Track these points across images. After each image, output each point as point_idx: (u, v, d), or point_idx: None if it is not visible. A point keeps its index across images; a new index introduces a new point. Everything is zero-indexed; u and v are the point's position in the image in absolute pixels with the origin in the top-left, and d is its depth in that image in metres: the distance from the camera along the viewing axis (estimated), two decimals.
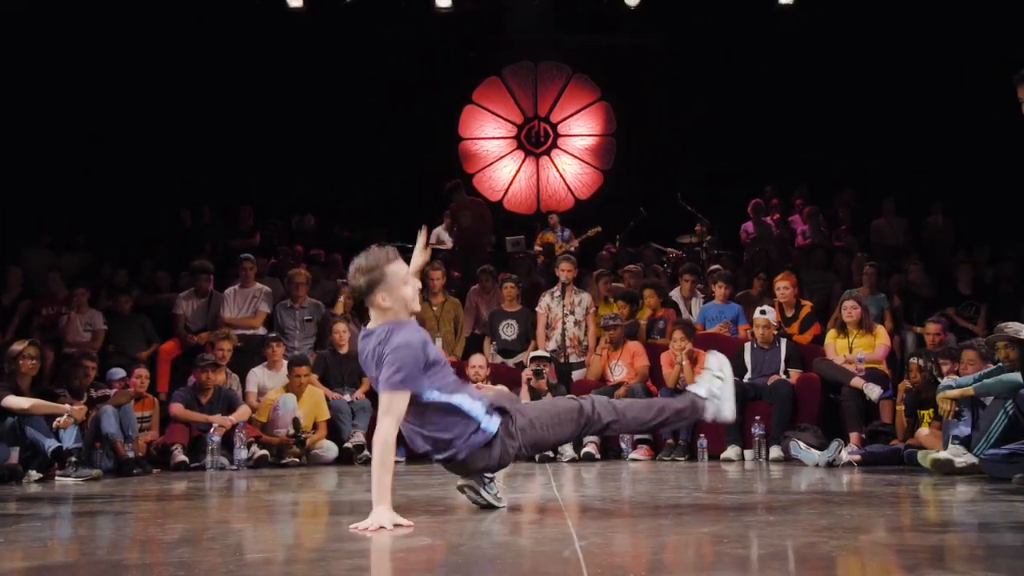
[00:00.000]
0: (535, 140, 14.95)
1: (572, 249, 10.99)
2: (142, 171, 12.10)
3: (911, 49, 11.96)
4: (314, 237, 12.18)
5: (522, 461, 3.83)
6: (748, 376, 7.45)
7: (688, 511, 3.84)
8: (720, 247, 11.08)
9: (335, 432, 7.56)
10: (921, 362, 6.63)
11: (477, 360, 7.74)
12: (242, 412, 7.33)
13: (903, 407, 6.69)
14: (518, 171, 14.96)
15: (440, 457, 3.62)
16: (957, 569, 2.48)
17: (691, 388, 4.02)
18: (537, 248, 11.84)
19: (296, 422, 7.33)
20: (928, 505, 4.37)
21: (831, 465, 6.21)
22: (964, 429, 5.55)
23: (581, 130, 14.97)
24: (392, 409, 3.38)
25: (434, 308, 8.72)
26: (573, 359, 8.27)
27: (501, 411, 3.64)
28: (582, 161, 14.90)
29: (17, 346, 6.47)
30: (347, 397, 7.75)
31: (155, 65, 12.20)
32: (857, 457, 6.27)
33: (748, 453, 7.06)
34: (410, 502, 4.10)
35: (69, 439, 6.15)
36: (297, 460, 7.25)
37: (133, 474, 6.41)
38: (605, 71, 14.61)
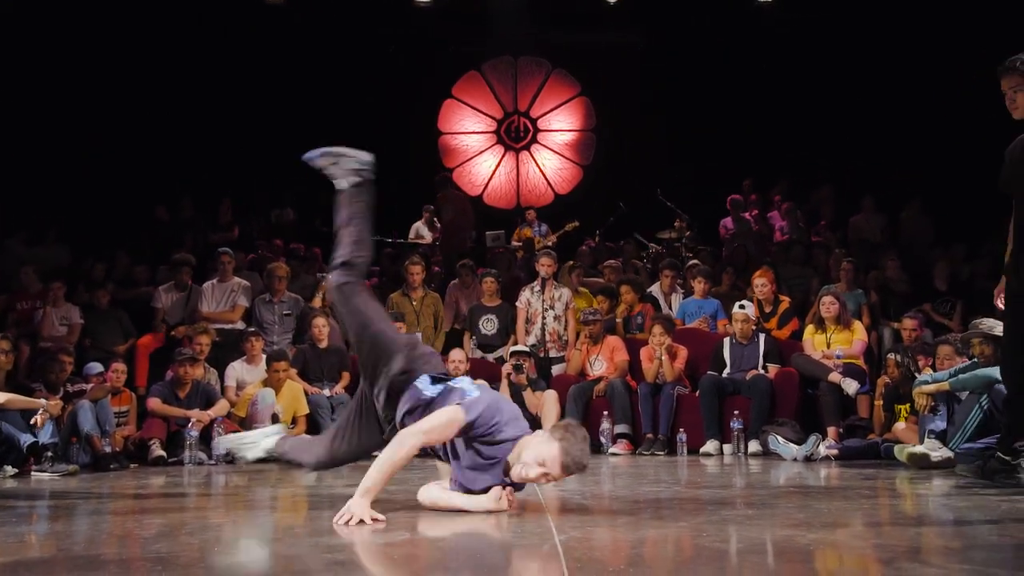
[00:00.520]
0: (515, 135, 14.96)
1: (550, 244, 11.01)
2: (121, 165, 12.00)
3: (891, 47, 12.06)
4: (293, 231, 12.12)
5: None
6: (727, 371, 7.49)
7: (667, 505, 3.86)
8: (699, 243, 11.13)
9: (314, 427, 7.52)
10: (898, 357, 6.68)
11: (456, 355, 7.73)
12: (220, 407, 7.29)
13: (881, 402, 6.75)
14: (498, 166, 14.96)
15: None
16: (933, 563, 2.51)
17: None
18: (516, 243, 11.85)
19: (275, 417, 7.29)
20: (905, 499, 4.42)
21: (809, 459, 6.26)
22: (940, 424, 5.61)
23: (561, 125, 14.99)
24: (437, 432, 3.38)
25: (414, 303, 8.71)
26: (553, 354, 8.28)
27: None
28: (562, 156, 14.92)
29: None
30: (326, 392, 7.73)
31: (135, 59, 12.10)
32: (835, 451, 6.32)
33: (727, 447, 7.10)
34: (390, 496, 4.08)
35: (45, 434, 6.09)
36: None
37: (110, 469, 6.35)
38: (585, 67, 14.64)
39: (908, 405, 6.32)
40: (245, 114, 12.81)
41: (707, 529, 3.02)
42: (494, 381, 7.66)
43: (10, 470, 5.99)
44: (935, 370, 6.10)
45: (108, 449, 6.55)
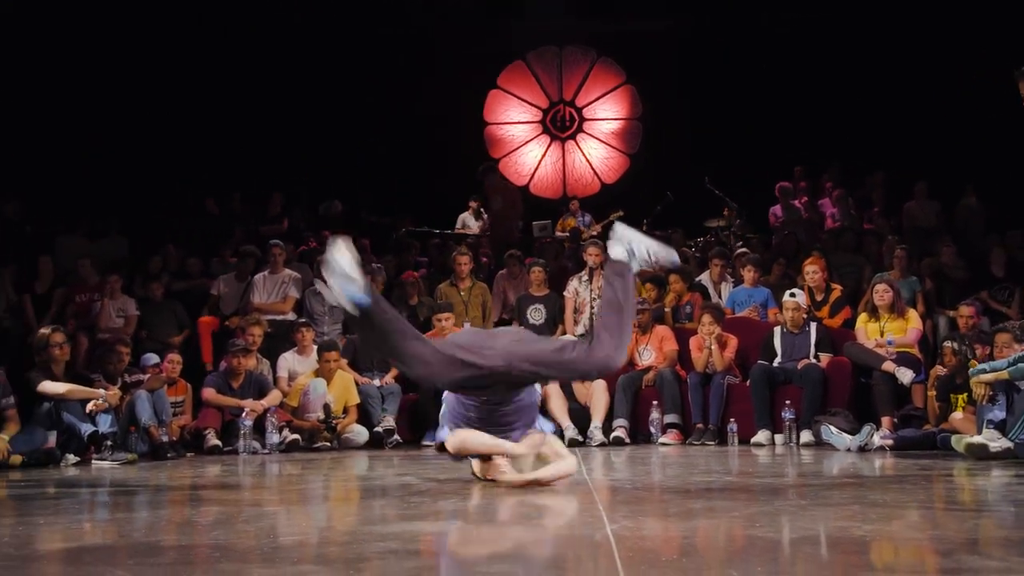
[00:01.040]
0: (560, 124, 14.92)
1: (594, 233, 10.97)
2: (174, 159, 12.19)
3: (945, 29, 11.80)
4: (341, 223, 12.22)
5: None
6: (778, 360, 7.40)
7: (719, 496, 3.83)
8: (749, 231, 11.01)
9: (365, 416, 7.61)
10: (955, 346, 6.55)
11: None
12: (273, 397, 7.39)
13: (935, 391, 6.62)
14: (544, 155, 14.93)
15: None
16: (992, 555, 2.46)
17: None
18: (560, 233, 11.83)
19: (327, 407, 7.38)
20: (962, 490, 4.34)
21: (863, 450, 6.16)
22: (999, 414, 5.49)
23: (607, 114, 14.91)
24: None
25: (462, 293, 8.74)
26: None
27: None
28: (608, 145, 14.85)
29: (44, 332, 6.58)
30: (376, 382, 7.80)
31: (186, 54, 12.27)
32: (889, 442, 6.21)
33: (779, 438, 7.02)
34: (439, 487, 4.12)
35: (105, 423, 6.24)
36: (328, 444, 7.31)
37: (167, 458, 6.49)
38: (630, 55, 14.53)
39: (965, 395, 6.19)
40: (294, 108, 12.94)
41: (759, 519, 3.00)
42: None
43: (72, 458, 6.15)
44: (993, 358, 5.97)
45: (165, 438, 6.67)
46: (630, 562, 2.25)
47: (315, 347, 7.87)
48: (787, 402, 6.93)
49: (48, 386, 6.25)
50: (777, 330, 7.53)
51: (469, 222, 11.88)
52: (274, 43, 12.85)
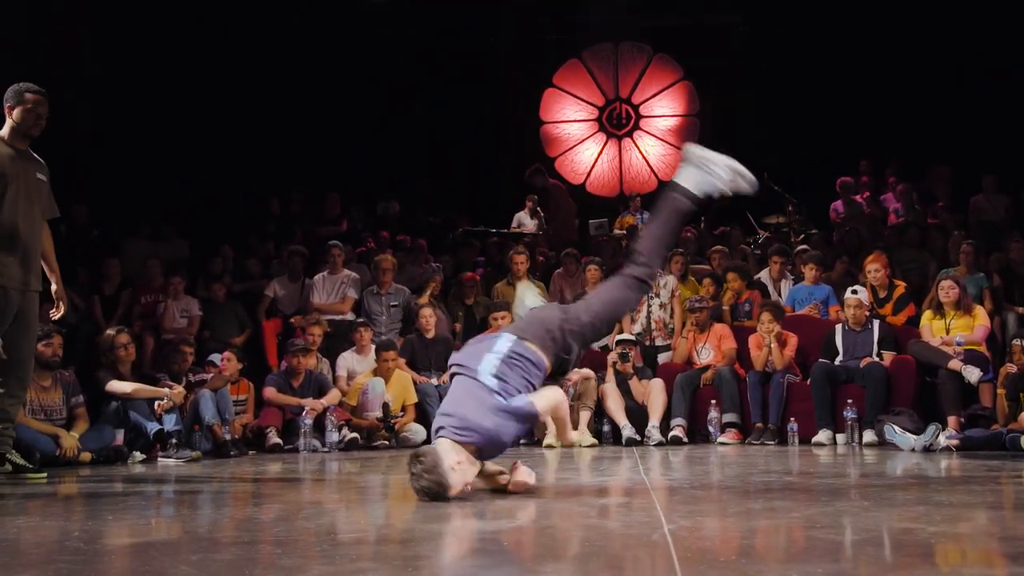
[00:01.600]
0: (617, 122, 14.85)
1: None
2: (234, 163, 12.40)
3: (1011, 17, 11.47)
4: (399, 223, 12.33)
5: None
6: (840, 358, 7.28)
7: (778, 496, 3.78)
8: (809, 227, 10.84)
9: (423, 415, 7.66)
10: None
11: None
12: (333, 396, 7.49)
13: (1004, 391, 6.45)
14: (600, 153, 14.88)
15: None
16: None
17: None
18: (619, 231, 11.77)
19: (386, 406, 7.45)
20: None
21: (928, 450, 6.03)
22: None
23: (663, 111, 14.80)
24: None
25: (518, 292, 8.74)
26: (659, 342, 8.21)
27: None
28: (665, 142, 14.74)
29: (110, 333, 6.77)
30: (434, 381, 7.85)
31: (246, 57, 12.47)
32: (955, 442, 6.06)
33: (840, 437, 6.91)
34: (497, 484, 4.13)
35: (170, 422, 6.40)
36: (387, 443, 7.38)
37: (230, 455, 6.61)
38: (686, 51, 14.41)
39: None
40: (352, 109, 13.08)
41: (820, 520, 2.96)
42: (600, 370, 7.66)
43: (138, 456, 6.31)
44: None
45: (228, 436, 6.81)
46: (687, 562, 2.23)
47: (373, 347, 7.96)
48: (849, 401, 6.82)
49: (115, 385, 6.43)
50: (839, 328, 7.41)
51: (525, 221, 11.88)
52: (335, 45, 13.01)
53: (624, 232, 11.66)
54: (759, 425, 7.17)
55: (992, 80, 11.76)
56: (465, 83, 13.65)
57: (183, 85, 12.11)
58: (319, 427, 7.22)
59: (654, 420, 7.28)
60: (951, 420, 6.54)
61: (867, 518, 3.02)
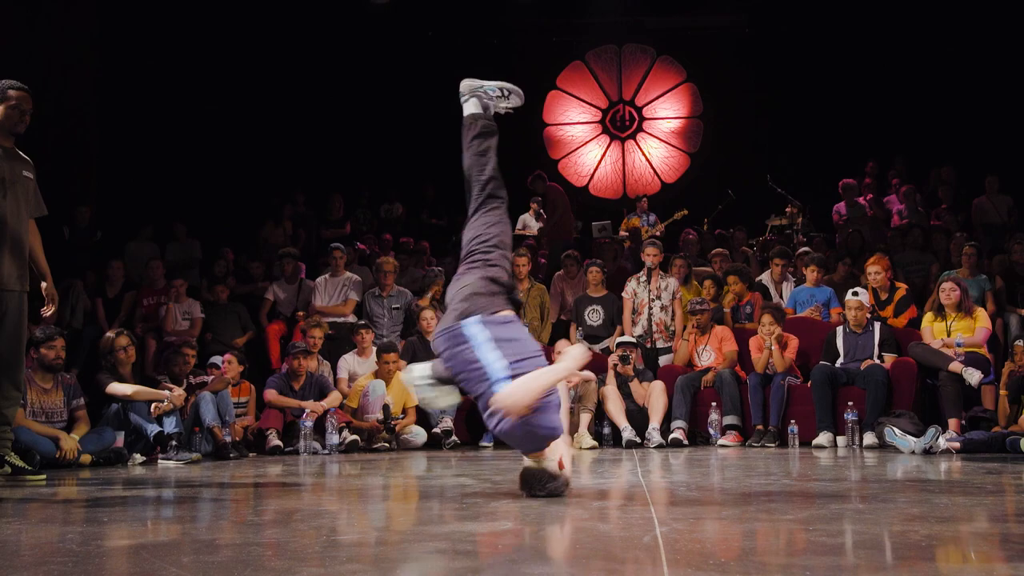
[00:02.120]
0: (620, 124, 14.86)
1: (658, 233, 10.89)
2: (238, 163, 12.43)
3: (1012, 19, 11.46)
4: (402, 225, 12.34)
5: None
6: (840, 361, 7.27)
7: (776, 498, 3.77)
8: (812, 229, 10.83)
9: (424, 418, 7.68)
10: None
11: (563, 346, 7.73)
12: (333, 398, 7.50)
13: (1006, 392, 6.43)
14: (603, 156, 14.88)
15: None
16: None
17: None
18: (623, 233, 11.77)
19: (386, 408, 7.46)
20: None
21: (928, 452, 6.02)
22: None
23: (667, 113, 14.81)
24: None
25: (520, 294, 8.75)
26: (660, 344, 8.20)
27: None
28: (668, 144, 14.74)
29: (109, 336, 6.78)
30: None
31: (250, 59, 12.50)
32: (956, 444, 6.05)
33: (841, 440, 6.90)
34: (494, 487, 4.13)
35: (170, 424, 6.41)
36: (387, 445, 7.39)
37: (230, 458, 6.62)
38: (689, 52, 14.42)
39: None
40: (355, 111, 13.10)
41: (818, 522, 2.95)
42: (600, 372, 7.65)
43: (138, 458, 6.33)
44: None
45: (228, 439, 6.82)
46: (676, 565, 2.23)
47: (374, 349, 7.96)
48: (849, 403, 6.81)
49: (116, 388, 6.45)
50: (840, 330, 7.40)
51: (529, 223, 11.89)
52: (339, 47, 13.02)
53: (628, 234, 11.67)
54: (760, 427, 7.16)
55: (994, 82, 11.73)
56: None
57: (188, 87, 12.15)
58: (319, 429, 7.23)
59: (654, 422, 7.27)
60: (952, 422, 6.53)
61: (866, 521, 3.01)
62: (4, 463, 5.00)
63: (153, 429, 6.34)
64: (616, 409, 7.38)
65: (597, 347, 8.46)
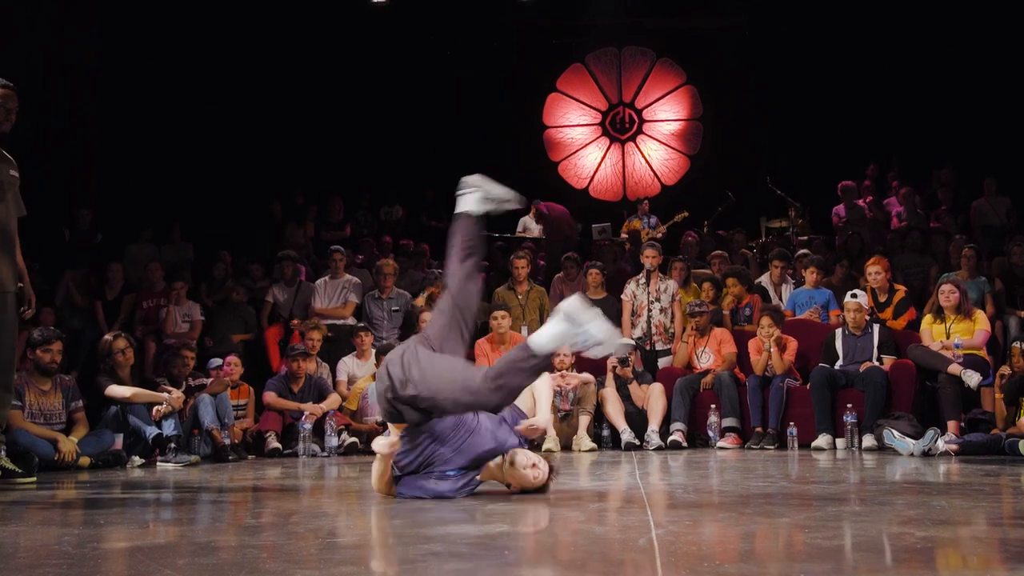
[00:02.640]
0: (620, 126, 14.86)
1: (658, 236, 10.89)
2: (237, 166, 12.43)
3: (1012, 21, 11.47)
4: (402, 227, 12.34)
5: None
6: (839, 363, 7.27)
7: (775, 500, 3.77)
8: (812, 231, 10.83)
9: None
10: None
11: (562, 348, 7.71)
12: (332, 400, 7.50)
13: (1002, 395, 6.43)
14: (603, 158, 14.88)
15: None
16: None
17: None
18: (623, 235, 11.77)
19: None
20: None
21: (927, 455, 6.01)
22: None
23: (667, 115, 14.81)
24: None
25: (519, 296, 8.75)
26: (659, 346, 8.20)
27: None
28: (668, 147, 14.74)
29: (107, 338, 6.78)
30: None
31: (251, 61, 12.50)
32: (955, 446, 6.04)
33: (840, 442, 6.89)
34: (491, 488, 4.13)
35: (169, 427, 6.41)
36: None
37: (229, 460, 6.63)
38: (689, 54, 14.42)
39: None
40: (354, 113, 13.10)
41: (816, 525, 2.94)
42: (600, 374, 7.65)
43: (137, 460, 6.33)
44: None
45: (227, 441, 6.82)
46: (670, 567, 2.23)
47: (374, 351, 7.96)
48: (848, 406, 6.80)
49: (114, 390, 6.45)
50: (839, 332, 7.40)
51: (530, 225, 11.90)
52: (339, 49, 13.03)
53: (627, 236, 11.67)
54: (759, 429, 7.16)
55: (993, 84, 11.74)
56: (469, 87, 13.66)
57: (189, 90, 12.15)
58: (319, 431, 7.23)
59: (654, 425, 7.27)
60: (951, 424, 6.52)
61: (864, 523, 3.01)
62: None
63: (152, 431, 6.34)
64: (615, 411, 7.38)
65: None
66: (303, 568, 2.31)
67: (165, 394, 6.56)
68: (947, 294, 7.10)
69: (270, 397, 7.44)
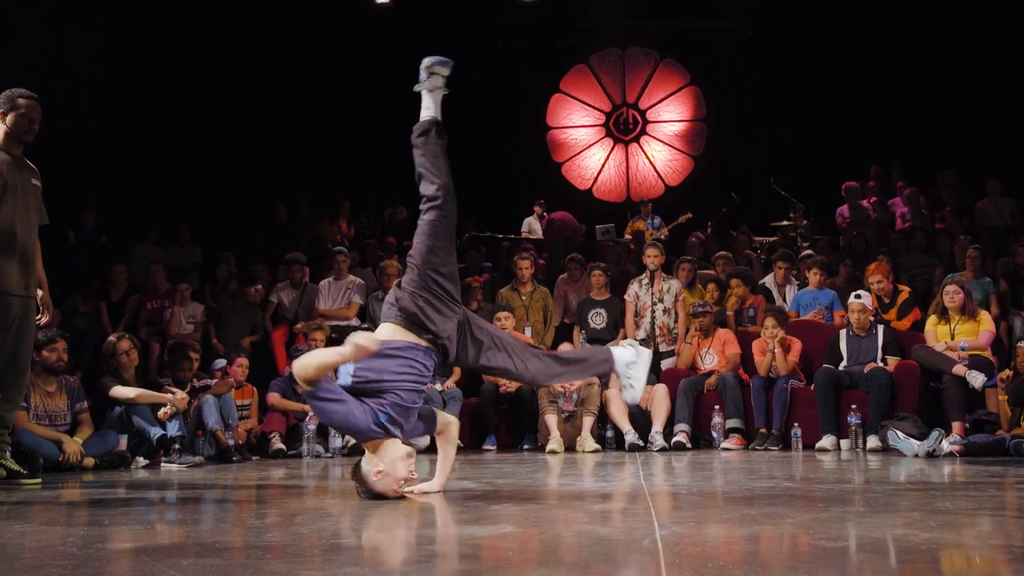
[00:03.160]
0: (624, 127, 14.86)
1: (662, 237, 10.88)
2: (243, 167, 12.45)
3: (1015, 22, 11.45)
4: (406, 228, 12.34)
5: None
6: (844, 364, 7.26)
7: (779, 501, 3.77)
8: (816, 232, 10.82)
9: None
10: None
11: (566, 349, 7.72)
12: None
13: (1006, 396, 6.41)
14: (607, 159, 14.89)
15: None
16: None
17: (615, 351, 4.15)
18: (627, 236, 11.77)
19: None
20: None
21: (931, 455, 6.01)
22: None
23: (670, 116, 14.81)
24: None
25: (523, 297, 8.75)
26: (663, 348, 8.19)
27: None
28: (672, 147, 14.74)
29: (111, 340, 6.79)
30: (438, 386, 7.84)
31: (255, 63, 12.52)
32: (959, 447, 6.03)
33: (844, 443, 6.89)
34: (496, 489, 4.14)
35: (173, 427, 6.41)
36: None
37: (233, 461, 6.63)
38: (693, 56, 14.43)
39: None
40: (358, 114, 13.11)
41: (820, 526, 2.94)
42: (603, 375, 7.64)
43: (141, 461, 6.33)
44: None
45: (231, 442, 6.82)
46: (675, 568, 2.23)
47: None
48: (853, 406, 6.80)
49: (119, 391, 6.45)
50: (843, 333, 7.39)
51: (535, 226, 11.91)
52: (342, 50, 13.05)
53: (631, 237, 11.66)
54: (763, 430, 7.16)
55: (996, 84, 11.72)
56: (472, 88, 13.65)
57: (192, 91, 12.18)
58: (322, 432, 7.23)
59: (657, 426, 7.27)
60: (956, 425, 6.51)
61: (869, 525, 3.00)
62: (0, 467, 5.01)
63: (156, 432, 6.35)
64: (619, 412, 7.38)
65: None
66: (307, 569, 2.31)
67: (169, 395, 6.56)
68: (952, 295, 7.09)
69: (274, 398, 7.44)
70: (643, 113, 14.83)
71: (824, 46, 12.81)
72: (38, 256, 4.97)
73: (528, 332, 8.42)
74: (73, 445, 6.00)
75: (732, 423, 7.25)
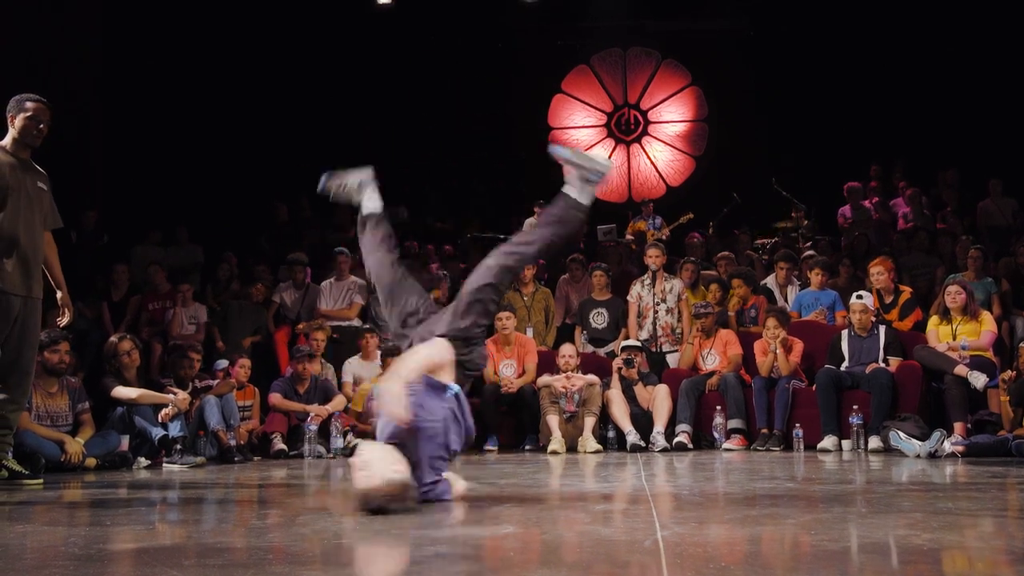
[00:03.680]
0: (625, 127, 14.85)
1: (664, 237, 10.87)
2: (244, 167, 12.45)
3: (1017, 22, 11.44)
4: (407, 228, 12.33)
5: None
6: (845, 364, 7.26)
7: (780, 502, 3.76)
8: (818, 232, 10.82)
9: None
10: None
11: (567, 350, 7.73)
12: (338, 402, 7.50)
13: (1008, 397, 6.41)
14: (608, 159, 14.86)
15: None
16: None
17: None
18: (628, 236, 11.76)
19: None
20: None
21: (933, 456, 6.00)
22: None
23: (672, 116, 14.80)
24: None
25: (524, 298, 8.75)
26: (666, 347, 8.19)
27: None
28: (673, 148, 14.73)
29: (113, 340, 6.79)
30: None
31: (256, 62, 12.52)
32: (961, 448, 6.03)
33: (846, 443, 6.88)
34: (500, 491, 4.14)
35: (175, 428, 6.42)
36: None
37: (235, 461, 6.63)
38: (695, 56, 14.42)
39: None
40: (360, 114, 13.11)
41: (821, 527, 2.94)
42: (605, 375, 7.65)
43: (143, 461, 6.34)
44: None
45: (233, 442, 6.83)
46: (676, 568, 2.23)
47: (379, 353, 7.97)
48: (854, 407, 6.80)
49: (120, 391, 6.46)
50: (844, 333, 7.38)
51: None
52: (344, 50, 13.04)
53: (633, 238, 11.66)
54: (764, 431, 7.16)
55: (998, 84, 11.72)
56: (474, 88, 13.67)
57: (193, 91, 12.17)
58: (324, 433, 7.23)
59: (659, 426, 7.27)
60: (958, 426, 6.50)
61: (871, 525, 3.00)
62: (2, 467, 5.01)
63: (158, 433, 6.35)
64: (620, 413, 7.38)
65: (602, 350, 8.46)
66: (309, 569, 2.31)
67: (171, 396, 6.57)
68: (953, 295, 7.09)
69: (275, 399, 7.45)
70: (644, 113, 14.82)
71: (825, 46, 12.80)
72: (55, 258, 5.00)
73: (530, 332, 8.42)
74: (75, 446, 6.01)
75: (734, 424, 7.25)
